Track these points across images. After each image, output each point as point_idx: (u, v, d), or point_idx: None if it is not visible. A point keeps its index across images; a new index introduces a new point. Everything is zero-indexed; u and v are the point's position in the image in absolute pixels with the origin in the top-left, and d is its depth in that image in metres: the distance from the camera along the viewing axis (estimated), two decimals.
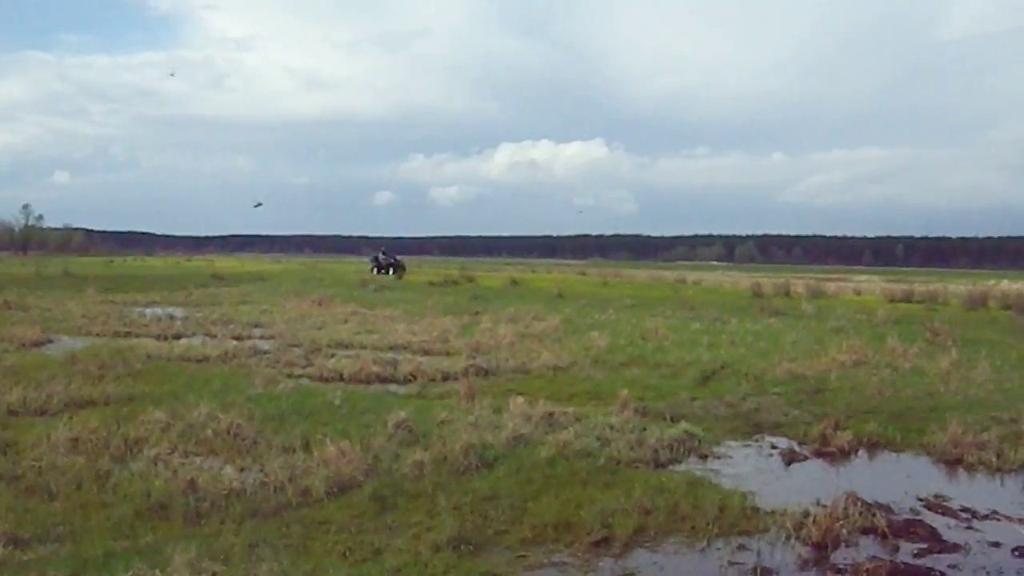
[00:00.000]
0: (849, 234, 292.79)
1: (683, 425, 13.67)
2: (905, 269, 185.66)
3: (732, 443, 13.45)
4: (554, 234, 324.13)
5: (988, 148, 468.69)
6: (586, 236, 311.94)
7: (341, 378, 18.70)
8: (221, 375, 18.61)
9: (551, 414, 14.05)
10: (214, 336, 25.89)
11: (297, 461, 10.97)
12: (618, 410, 14.68)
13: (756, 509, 9.84)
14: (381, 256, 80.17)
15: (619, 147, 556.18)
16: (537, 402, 14.81)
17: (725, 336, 26.83)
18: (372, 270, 77.40)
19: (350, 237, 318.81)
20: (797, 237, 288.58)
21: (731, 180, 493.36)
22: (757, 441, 13.70)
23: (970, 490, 11.31)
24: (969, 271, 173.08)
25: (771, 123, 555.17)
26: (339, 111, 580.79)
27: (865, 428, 13.87)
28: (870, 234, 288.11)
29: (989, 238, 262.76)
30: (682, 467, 11.83)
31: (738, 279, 73.20)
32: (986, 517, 10.08)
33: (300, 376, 18.84)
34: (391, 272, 75.42)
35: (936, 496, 10.77)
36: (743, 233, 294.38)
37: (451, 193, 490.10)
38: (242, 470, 10.90)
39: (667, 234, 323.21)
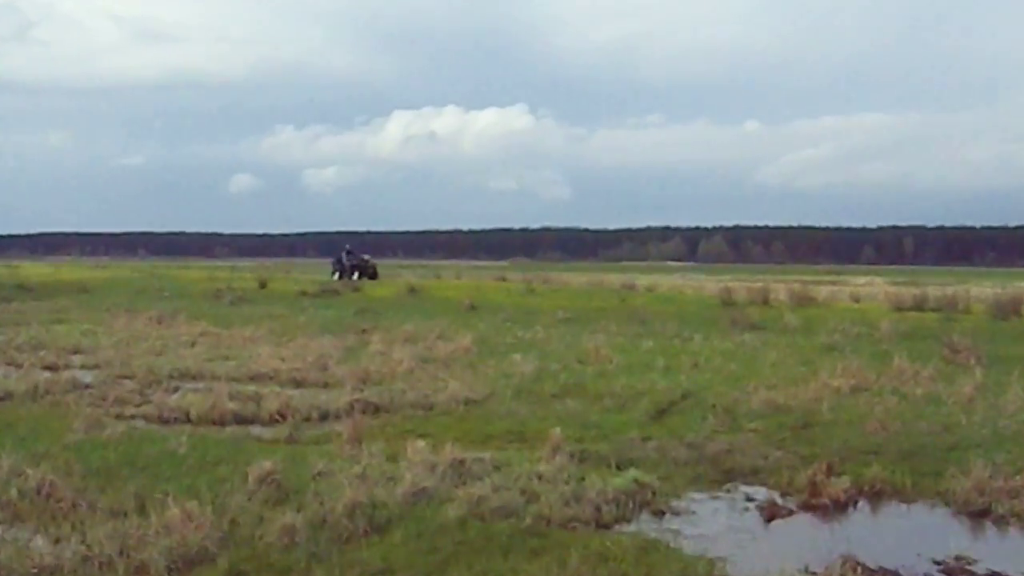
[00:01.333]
0: (844, 224, 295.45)
1: (633, 473, 13.67)
2: (916, 268, 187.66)
3: (696, 495, 13.48)
4: (464, 228, 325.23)
5: (1020, 113, 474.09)
6: (506, 231, 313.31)
7: (187, 419, 18.54)
8: (29, 417, 18.35)
9: (461, 461, 14.03)
10: (19, 366, 25.43)
11: (130, 528, 10.75)
12: (548, 455, 14.68)
13: None
14: (344, 256, 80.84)
15: (547, 115, 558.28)
16: (443, 446, 14.75)
17: (687, 357, 27.02)
18: (333, 275, 78.39)
19: (199, 234, 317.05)
20: (777, 229, 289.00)
21: (694, 156, 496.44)
22: (728, 492, 13.74)
23: (1000, 549, 11.44)
24: (997, 269, 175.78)
25: (743, 83, 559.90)
26: (183, 70, 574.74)
27: (866, 472, 13.94)
28: (870, 224, 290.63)
29: (1021, 227, 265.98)
30: (631, 527, 11.84)
31: (703, 283, 73.62)
32: None
33: (133, 417, 18.69)
34: (356, 276, 76.52)
35: (957, 558, 10.85)
36: (709, 224, 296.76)
37: (329, 176, 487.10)
38: (57, 541, 10.64)
39: (611, 226, 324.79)
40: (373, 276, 77.67)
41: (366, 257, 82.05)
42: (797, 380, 22.64)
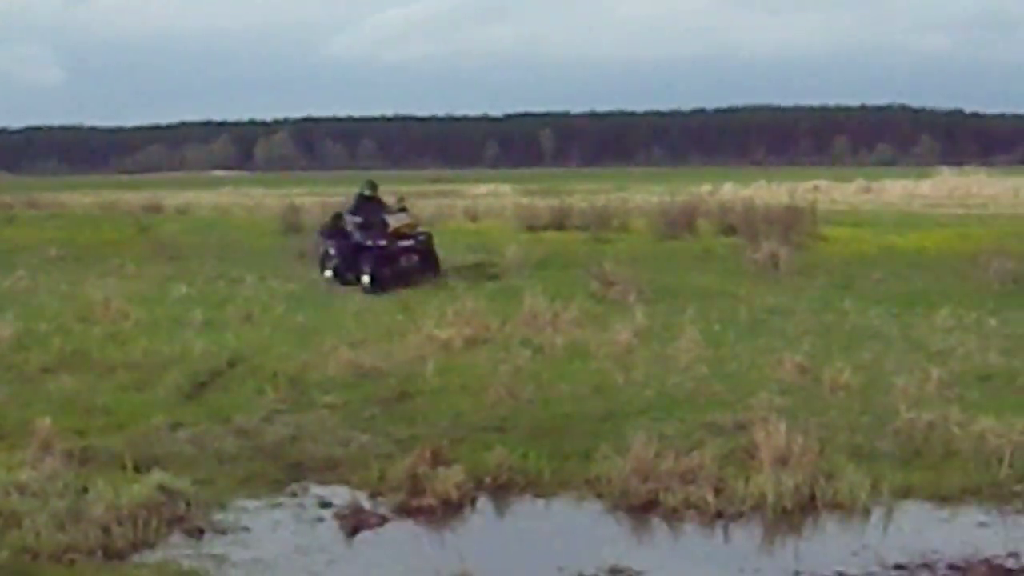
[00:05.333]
0: (458, 112, 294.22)
1: (157, 476, 13.53)
2: (557, 171, 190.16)
3: (249, 503, 13.61)
4: None
5: None
6: None
7: None
8: None
9: None
10: None
11: None
12: (35, 457, 14.40)
13: None
14: (349, 217, 35.60)
15: None
16: None
17: (236, 307, 26.96)
18: (324, 270, 35.32)
19: None
20: (364, 121, 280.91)
21: (238, 22, 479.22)
22: (295, 495, 13.89)
23: (670, 554, 11.98)
24: (665, 169, 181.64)
25: None
26: None
27: (487, 458, 14.27)
28: (495, 111, 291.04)
29: (698, 111, 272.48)
30: (158, 554, 11.85)
31: (262, 200, 72.77)
32: None
33: None
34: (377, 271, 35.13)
35: (613, 570, 11.22)
36: (268, 117, 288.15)
37: None
38: None
39: (128, 123, 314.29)
40: (433, 266, 34.96)
41: (403, 216, 35.43)
42: (391, 333, 23.01)
